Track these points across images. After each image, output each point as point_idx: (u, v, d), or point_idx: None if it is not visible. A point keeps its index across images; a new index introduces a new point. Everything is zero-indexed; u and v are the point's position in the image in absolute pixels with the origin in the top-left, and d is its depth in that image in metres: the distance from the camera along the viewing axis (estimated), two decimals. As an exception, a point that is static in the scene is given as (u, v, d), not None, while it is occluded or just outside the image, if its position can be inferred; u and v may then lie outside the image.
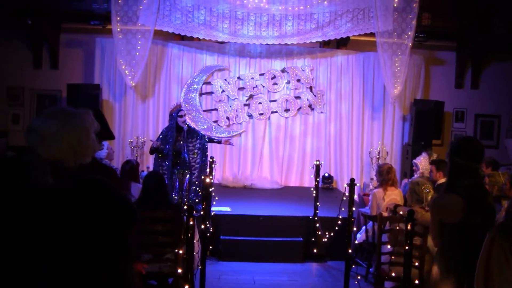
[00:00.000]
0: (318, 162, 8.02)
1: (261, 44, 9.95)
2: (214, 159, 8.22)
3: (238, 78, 10.46)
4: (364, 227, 6.39)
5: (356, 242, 6.52)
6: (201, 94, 10.44)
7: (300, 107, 10.55)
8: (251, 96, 10.47)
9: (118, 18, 9.16)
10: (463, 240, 3.20)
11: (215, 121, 10.44)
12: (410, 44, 9.46)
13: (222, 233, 7.33)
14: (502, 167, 7.28)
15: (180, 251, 4.71)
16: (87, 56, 10.31)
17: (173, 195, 7.38)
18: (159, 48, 10.23)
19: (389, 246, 5.18)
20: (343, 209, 6.33)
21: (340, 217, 6.69)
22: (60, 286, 1.43)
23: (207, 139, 7.93)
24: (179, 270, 4.57)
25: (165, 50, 10.30)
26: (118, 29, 9.22)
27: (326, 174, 10.21)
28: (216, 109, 10.46)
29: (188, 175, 7.55)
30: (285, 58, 10.56)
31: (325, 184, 10.04)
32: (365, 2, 9.40)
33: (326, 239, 7.17)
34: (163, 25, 9.36)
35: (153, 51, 10.06)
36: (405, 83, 9.91)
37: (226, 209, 7.80)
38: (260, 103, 10.49)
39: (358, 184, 6.92)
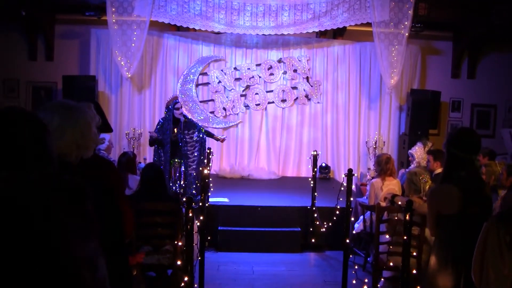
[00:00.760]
0: (315, 153, 8.02)
1: (257, 34, 9.92)
2: (211, 150, 8.22)
3: (235, 68, 10.44)
4: (361, 217, 6.41)
5: (354, 232, 6.55)
6: (197, 85, 10.42)
7: (297, 98, 10.55)
8: (247, 87, 10.45)
9: (114, 9, 9.11)
10: (461, 230, 3.22)
11: (212, 112, 10.43)
12: (407, 34, 9.45)
13: (220, 224, 7.34)
14: (498, 156, 7.31)
15: (180, 243, 4.72)
16: (82, 48, 10.26)
17: (170, 185, 7.39)
18: (155, 39, 10.19)
19: (387, 236, 5.21)
20: (341, 199, 6.35)
21: (338, 207, 6.71)
22: None
23: (204, 132, 7.90)
24: (179, 262, 4.59)
25: (161, 41, 10.26)
26: (114, 20, 9.17)
27: (323, 164, 10.24)
28: (212, 100, 10.45)
29: (183, 166, 7.55)
30: (281, 49, 10.54)
31: (322, 174, 10.07)
32: (362, -9, 9.38)
33: (324, 229, 7.20)
34: (159, 15, 9.32)
35: (149, 42, 10.02)
36: (401, 73, 9.92)
37: (223, 199, 7.82)
38: (256, 93, 10.48)
39: (355, 174, 6.94)
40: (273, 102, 10.54)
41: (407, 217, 4.39)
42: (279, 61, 10.53)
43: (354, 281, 5.79)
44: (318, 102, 10.61)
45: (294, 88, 10.56)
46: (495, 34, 10.17)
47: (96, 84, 9.71)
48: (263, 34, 9.92)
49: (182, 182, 7.52)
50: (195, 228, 5.06)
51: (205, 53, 10.42)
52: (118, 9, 9.13)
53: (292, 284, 5.97)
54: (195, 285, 4.88)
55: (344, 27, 9.97)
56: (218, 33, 10.07)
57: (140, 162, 8.52)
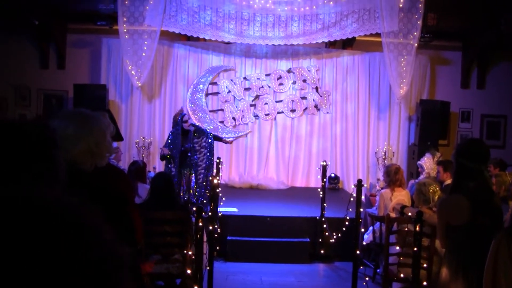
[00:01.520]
0: (325, 163, 8.02)
1: (267, 44, 9.96)
2: (221, 160, 8.23)
3: (244, 78, 10.48)
4: (371, 228, 6.39)
5: (364, 243, 6.52)
6: (207, 95, 10.46)
7: (306, 108, 10.56)
8: (257, 97, 10.48)
9: (125, 19, 9.19)
10: (471, 241, 3.20)
11: (221, 122, 10.46)
12: (416, 44, 9.45)
13: (229, 234, 7.34)
14: (509, 167, 7.27)
15: (189, 252, 4.73)
16: (93, 56, 10.35)
17: (181, 194, 7.40)
18: (165, 49, 10.26)
19: (397, 247, 5.18)
20: (350, 209, 6.33)
21: (348, 217, 6.68)
22: None
23: (212, 137, 7.90)
24: (188, 271, 4.59)
25: (171, 50, 10.33)
26: (125, 30, 9.24)
27: (332, 175, 10.21)
28: (222, 110, 10.48)
29: (193, 175, 7.56)
30: (291, 59, 10.57)
31: (331, 184, 10.04)
32: (371, 2, 9.39)
33: (333, 240, 7.17)
34: (169, 25, 9.38)
35: (159, 51, 10.08)
36: (411, 83, 9.90)
37: (233, 209, 7.82)
38: (266, 103, 10.50)
39: (365, 185, 6.92)
40: (282, 112, 10.55)
41: (417, 228, 4.37)
42: (289, 71, 10.55)
43: (363, 292, 5.77)
44: (327, 112, 10.60)
45: (304, 98, 10.57)
46: (504, 43, 10.14)
47: (106, 93, 9.78)
48: (273, 44, 9.95)
49: (192, 192, 7.53)
50: (204, 238, 5.06)
51: (215, 62, 10.48)
52: (129, 19, 9.21)
53: (301, 294, 5.96)
54: (204, 295, 4.88)
55: (354, 38, 9.98)
56: (228, 43, 10.12)
57: (149, 171, 8.54)
